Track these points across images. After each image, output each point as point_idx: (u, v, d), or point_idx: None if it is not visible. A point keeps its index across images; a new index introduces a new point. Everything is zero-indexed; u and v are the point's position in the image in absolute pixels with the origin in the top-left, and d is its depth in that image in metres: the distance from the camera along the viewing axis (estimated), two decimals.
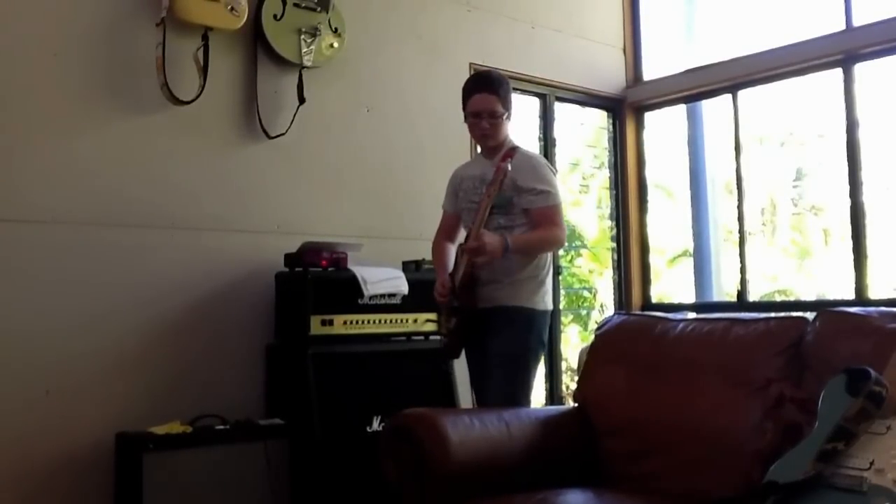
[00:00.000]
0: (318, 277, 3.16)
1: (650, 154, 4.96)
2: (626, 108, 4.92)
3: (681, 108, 4.96)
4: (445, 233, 3.15)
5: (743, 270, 4.40)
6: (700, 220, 5.07)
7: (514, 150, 2.93)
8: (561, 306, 4.72)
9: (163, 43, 3.10)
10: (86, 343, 2.95)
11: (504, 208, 2.84)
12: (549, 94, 4.55)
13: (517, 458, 2.24)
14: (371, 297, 3.23)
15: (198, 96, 3.20)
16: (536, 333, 2.89)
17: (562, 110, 4.66)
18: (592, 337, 2.78)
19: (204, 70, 3.21)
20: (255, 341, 3.33)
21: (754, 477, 1.93)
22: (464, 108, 2.99)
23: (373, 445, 2.43)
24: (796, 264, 8.55)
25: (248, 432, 2.91)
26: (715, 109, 4.91)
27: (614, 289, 4.93)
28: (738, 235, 4.47)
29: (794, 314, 2.37)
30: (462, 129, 3.08)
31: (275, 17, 3.40)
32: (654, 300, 5.00)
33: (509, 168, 2.71)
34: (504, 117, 2.94)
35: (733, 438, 2.14)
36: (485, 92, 2.92)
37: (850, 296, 3.92)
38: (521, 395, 2.82)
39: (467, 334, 2.92)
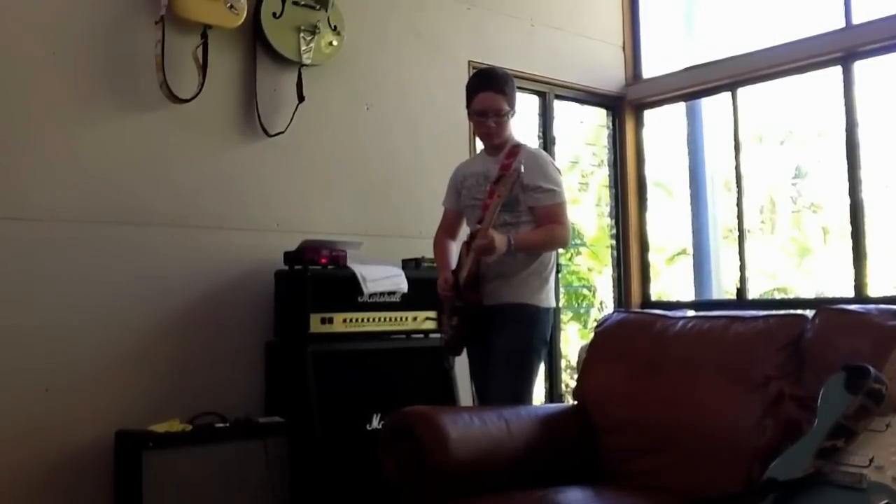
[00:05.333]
0: (318, 275, 3.16)
1: (649, 152, 4.96)
2: (625, 105, 4.92)
3: (680, 106, 4.96)
4: (447, 230, 3.15)
5: (742, 268, 4.40)
6: (699, 217, 5.07)
7: (518, 148, 2.92)
8: (560, 304, 4.72)
9: (162, 41, 3.10)
10: (85, 341, 2.96)
11: (509, 205, 2.82)
12: (548, 92, 4.55)
13: (517, 456, 2.24)
14: (371, 295, 3.23)
15: (197, 94, 3.20)
16: (540, 331, 2.89)
17: (561, 108, 4.66)
18: (592, 335, 2.78)
19: (203, 68, 3.21)
20: (255, 339, 3.33)
21: (754, 474, 1.94)
22: (468, 106, 2.97)
23: (372, 443, 2.43)
24: (796, 262, 8.54)
25: (247, 430, 2.91)
26: (714, 107, 4.90)
27: (613, 287, 4.93)
28: (737, 233, 4.47)
29: (794, 312, 2.37)
30: (462, 126, 3.08)
31: (274, 14, 3.40)
32: (653, 298, 5.00)
33: (522, 170, 2.69)
34: (509, 115, 2.92)
35: (733, 436, 2.14)
36: (490, 90, 2.89)
37: (850, 293, 3.92)
38: (523, 393, 2.83)
39: (469, 331, 2.92)
